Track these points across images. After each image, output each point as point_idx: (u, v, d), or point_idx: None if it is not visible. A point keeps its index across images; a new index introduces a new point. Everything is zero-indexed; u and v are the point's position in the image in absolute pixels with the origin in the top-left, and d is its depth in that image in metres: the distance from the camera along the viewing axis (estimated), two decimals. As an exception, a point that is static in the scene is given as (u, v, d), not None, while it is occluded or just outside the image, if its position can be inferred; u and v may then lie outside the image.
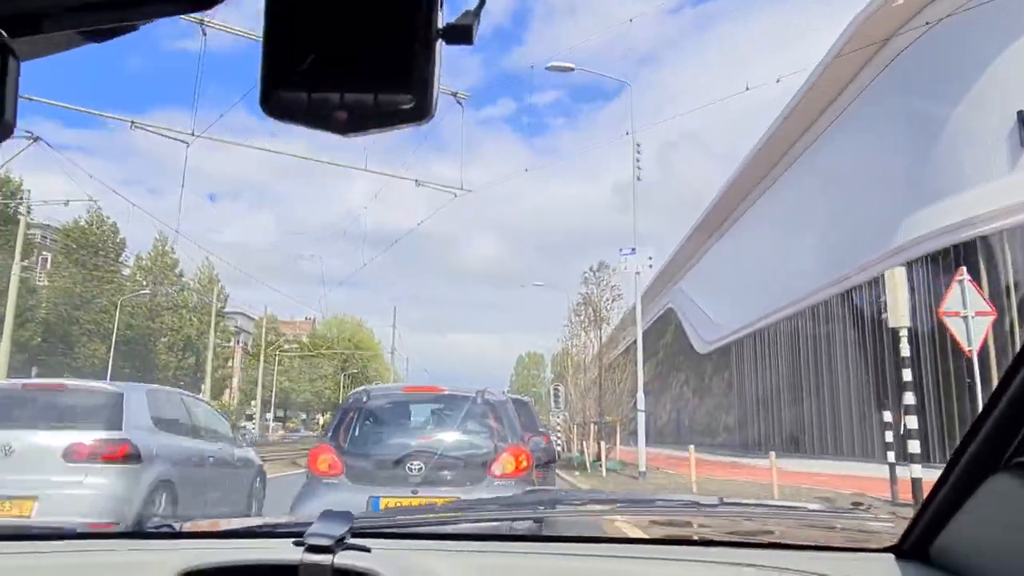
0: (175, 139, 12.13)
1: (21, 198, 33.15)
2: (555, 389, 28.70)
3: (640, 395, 15.84)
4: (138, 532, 1.44)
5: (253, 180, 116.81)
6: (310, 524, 1.19)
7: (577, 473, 19.21)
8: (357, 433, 5.20)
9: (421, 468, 4.69)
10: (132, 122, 13.00)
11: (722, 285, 36.07)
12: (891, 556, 1.19)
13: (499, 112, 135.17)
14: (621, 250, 16.44)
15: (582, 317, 25.39)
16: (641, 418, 15.66)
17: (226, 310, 60.45)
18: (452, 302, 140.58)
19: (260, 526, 1.45)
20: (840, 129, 24.00)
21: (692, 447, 11.41)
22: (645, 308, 25.17)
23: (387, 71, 0.53)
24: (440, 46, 0.53)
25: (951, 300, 8.94)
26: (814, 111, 24.73)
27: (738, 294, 33.36)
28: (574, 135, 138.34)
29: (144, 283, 52.06)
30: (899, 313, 9.39)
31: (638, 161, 17.20)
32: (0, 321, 25.23)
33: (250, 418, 73.33)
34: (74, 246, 46.27)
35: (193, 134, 12.06)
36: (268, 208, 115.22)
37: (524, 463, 4.90)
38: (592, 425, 21.16)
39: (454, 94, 14.40)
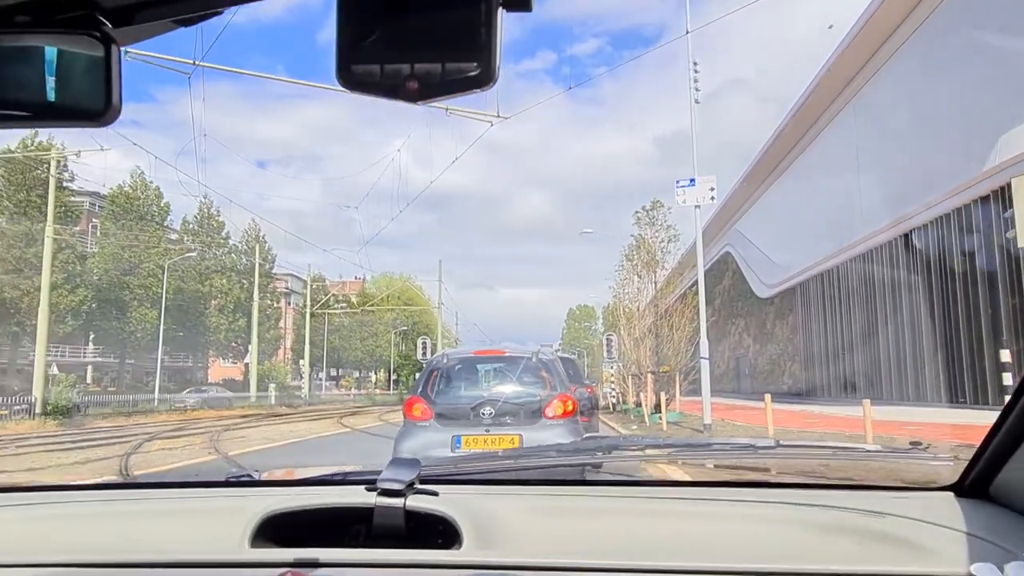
0: (176, 69, 10.98)
1: (57, 162, 32.74)
2: (608, 339, 27.37)
3: (703, 340, 14.30)
4: (219, 481, 1.46)
5: (300, 145, 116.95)
6: (378, 473, 1.22)
7: (635, 427, 17.92)
8: (441, 387, 6.26)
9: (491, 412, 5.80)
10: (127, 52, 11.72)
11: (785, 225, 33.75)
12: (951, 494, 1.19)
13: (539, 64, 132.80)
14: (678, 182, 14.70)
15: (635, 262, 23.63)
16: (705, 366, 14.16)
17: (276, 272, 60.70)
18: (502, 259, 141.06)
19: (332, 475, 1.45)
20: (906, 56, 21.52)
21: (768, 396, 9.89)
22: (682, 277, 23.38)
23: (453, 41, 0.56)
24: (501, 14, 0.56)
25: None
26: (874, 43, 22.34)
27: (803, 233, 31.07)
28: (615, 84, 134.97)
29: (192, 246, 52.17)
30: (1036, 228, 7.60)
31: (696, 81, 15.34)
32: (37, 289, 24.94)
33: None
34: (120, 211, 46.38)
35: (195, 63, 10.86)
36: (317, 172, 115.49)
37: (571, 407, 5.93)
38: (649, 375, 19.75)
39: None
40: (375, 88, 0.56)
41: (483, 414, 5.79)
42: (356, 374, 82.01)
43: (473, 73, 0.55)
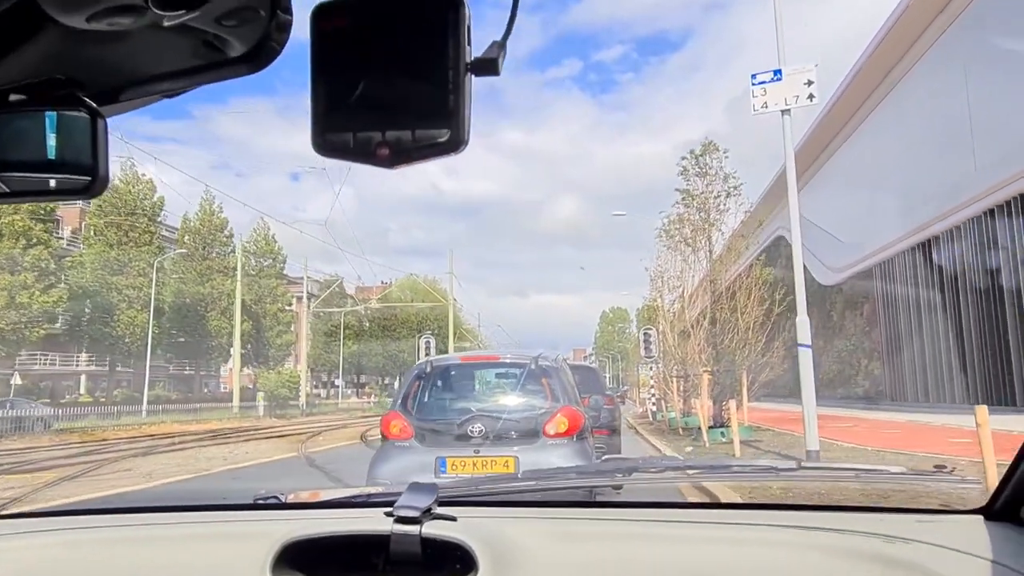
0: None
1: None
2: (645, 333, 22.19)
3: (802, 318, 9.22)
4: (246, 504, 1.47)
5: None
6: (400, 495, 1.23)
7: (689, 448, 12.75)
8: (423, 400, 5.48)
9: (481, 430, 4.91)
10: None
11: (855, 195, 28.11)
12: (980, 518, 1.15)
13: (565, 72, 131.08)
14: (754, 76, 9.63)
15: (677, 237, 17.96)
16: (806, 358, 9.08)
17: (294, 276, 57.22)
18: (534, 265, 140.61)
19: (355, 496, 1.50)
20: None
21: (983, 409, 5.01)
22: (747, 241, 17.82)
23: (423, 108, 0.57)
24: (470, 79, 0.57)
25: None
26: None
27: (882, 202, 25.42)
28: (642, 88, 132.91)
29: (194, 246, 48.43)
30: None
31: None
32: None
33: (325, 385, 70.11)
34: (108, 206, 42.54)
35: None
36: (349, 184, 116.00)
37: (577, 423, 5.06)
38: (705, 375, 14.57)
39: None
40: (348, 154, 0.57)
41: (472, 432, 4.93)
42: (383, 380, 78.35)
43: (443, 139, 0.56)
